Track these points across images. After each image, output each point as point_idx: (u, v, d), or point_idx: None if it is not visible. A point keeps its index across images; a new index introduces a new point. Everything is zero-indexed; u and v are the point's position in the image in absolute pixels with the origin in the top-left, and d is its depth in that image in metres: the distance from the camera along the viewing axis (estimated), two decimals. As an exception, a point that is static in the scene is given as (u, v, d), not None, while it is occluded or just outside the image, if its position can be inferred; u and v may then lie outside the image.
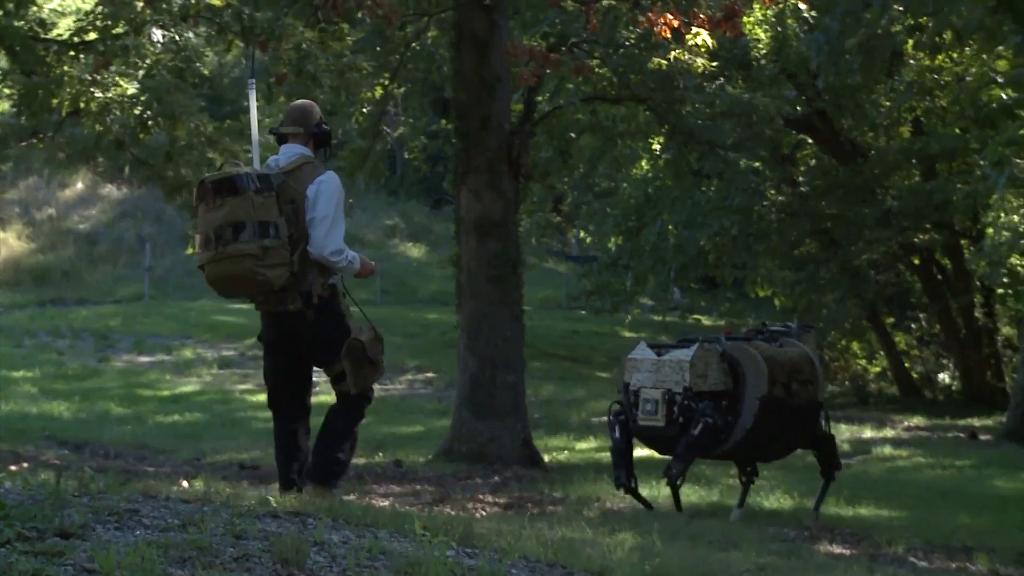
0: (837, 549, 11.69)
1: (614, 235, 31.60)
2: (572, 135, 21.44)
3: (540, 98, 20.43)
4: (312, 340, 8.45)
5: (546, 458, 17.98)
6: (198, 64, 19.79)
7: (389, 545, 6.08)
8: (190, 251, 19.66)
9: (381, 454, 18.17)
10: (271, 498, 7.22)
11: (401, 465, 16.88)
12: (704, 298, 35.89)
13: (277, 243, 8.14)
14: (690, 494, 14.40)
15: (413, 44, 21.41)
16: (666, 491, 14.20)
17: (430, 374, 28.82)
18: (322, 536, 6.02)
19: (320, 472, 8.51)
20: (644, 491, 13.53)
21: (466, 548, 6.41)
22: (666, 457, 12.84)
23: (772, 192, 31.83)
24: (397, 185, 53.68)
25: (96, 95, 18.21)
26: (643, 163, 30.41)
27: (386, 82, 21.37)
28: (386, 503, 13.01)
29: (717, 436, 12.27)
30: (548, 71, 17.22)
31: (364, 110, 20.97)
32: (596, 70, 18.51)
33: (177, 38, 18.59)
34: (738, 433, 12.33)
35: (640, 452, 13.48)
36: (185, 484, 10.05)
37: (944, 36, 23.44)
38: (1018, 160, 24.04)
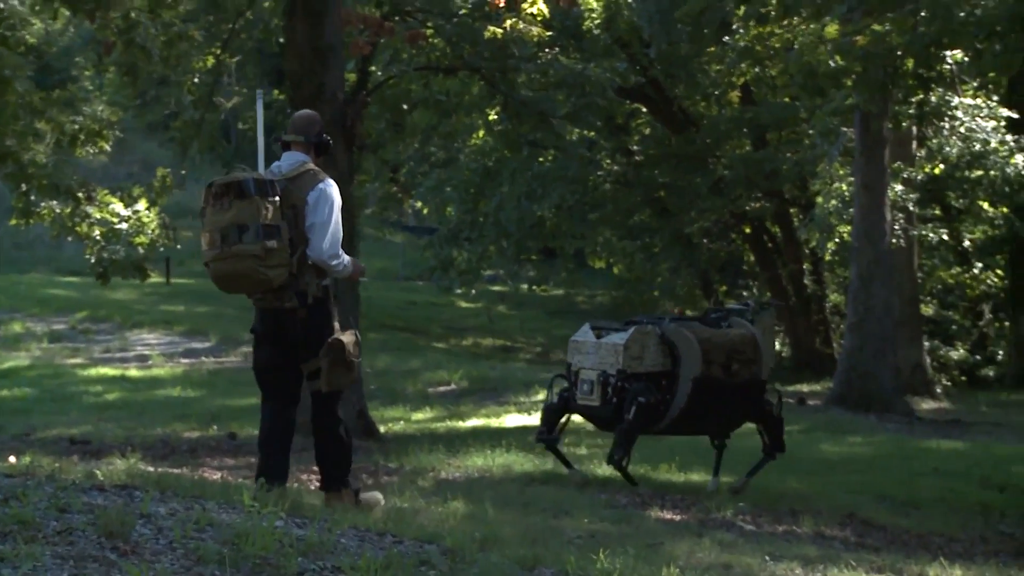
0: (667, 514, 11.84)
1: (451, 206, 31.58)
2: (405, 106, 21.37)
3: (374, 68, 20.35)
4: (300, 336, 8.91)
5: (381, 429, 17.96)
6: (23, 32, 19.36)
7: (217, 516, 6.05)
8: (13, 222, 19.32)
9: (215, 427, 18.04)
10: (97, 472, 7.15)
11: (235, 438, 16.76)
12: (544, 269, 35.96)
13: (278, 245, 8.61)
14: (524, 463, 14.49)
15: (246, 13, 21.18)
16: (500, 460, 14.35)
17: (267, 346, 28.58)
18: (148, 508, 5.96)
19: (329, 480, 9.16)
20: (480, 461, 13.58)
21: (296, 518, 6.40)
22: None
23: (607, 162, 32.08)
24: (232, 156, 53.08)
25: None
26: (480, 134, 30.45)
27: (218, 52, 21.12)
28: (218, 476, 12.91)
29: (652, 414, 12.64)
30: (382, 40, 17.18)
31: (196, 80, 20.70)
32: (430, 39, 18.48)
33: (1, 5, 18.19)
34: (673, 411, 12.73)
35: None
36: (13, 460, 9.89)
37: (771, 5, 23.75)
38: (846, 129, 24.51)
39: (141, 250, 19.47)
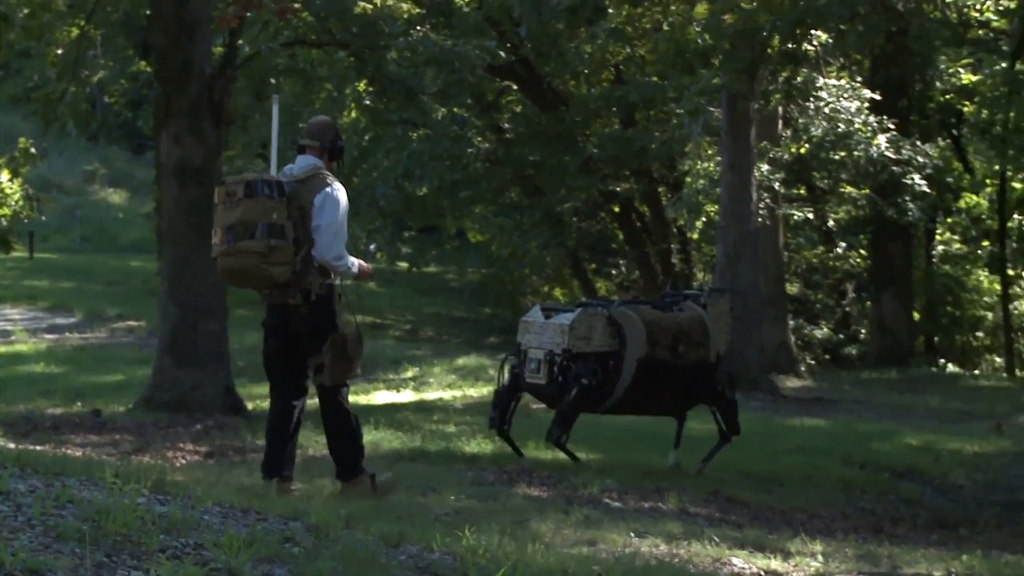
0: (535, 491, 11.90)
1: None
2: (272, 80, 21.18)
3: (242, 41, 20.14)
4: (304, 332, 9.38)
5: (249, 406, 17.84)
6: None
7: (78, 493, 5.97)
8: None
9: (79, 403, 17.82)
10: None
11: (100, 415, 16.56)
12: (422, 246, 35.85)
13: (283, 244, 9.03)
14: (392, 440, 14.50)
15: (112, -16, 20.83)
16: (368, 437, 14.29)
17: (132, 322, 28.28)
18: (7, 485, 5.87)
19: (342, 470, 9.69)
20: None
21: (159, 495, 6.34)
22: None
23: (477, 140, 32.08)
24: (97, 130, 52.39)
25: None
26: (352, 111, 30.30)
27: (83, 23, 20.78)
28: (81, 453, 12.75)
29: (596, 395, 13.03)
30: (249, 14, 17.01)
31: (59, 52, 20.36)
32: (299, 14, 18.34)
33: None
34: (619, 391, 13.12)
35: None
36: None
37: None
38: (712, 109, 24.71)
39: (4, 222, 19.17)
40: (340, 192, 9.40)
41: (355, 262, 9.49)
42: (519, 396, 13.56)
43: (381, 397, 20.22)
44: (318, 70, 22.20)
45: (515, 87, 32.96)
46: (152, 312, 23.24)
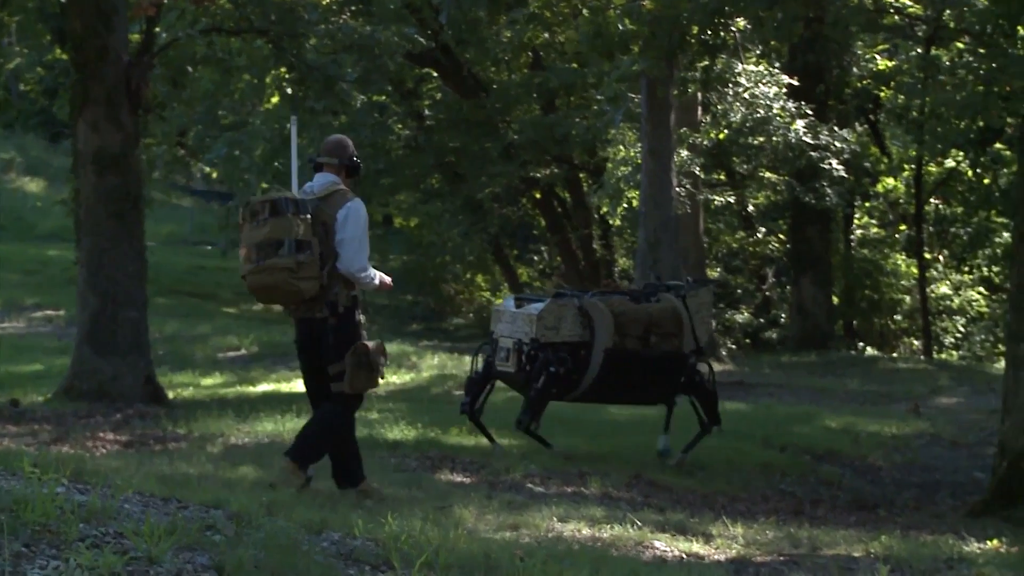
0: (458, 477, 11.93)
1: (249, 174, 31.13)
2: (190, 68, 21.04)
3: (159, 29, 19.99)
4: (329, 342, 9.55)
5: (170, 395, 17.77)
6: None
7: (-4, 484, 5.93)
8: None
9: (-3, 394, 17.65)
10: None
11: (18, 405, 16.40)
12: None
13: (310, 259, 9.29)
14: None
15: (26, -29, 20.62)
16: (290, 425, 14.29)
17: (50, 312, 28.06)
18: (-78, 479, 5.82)
19: (296, 451, 9.67)
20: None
21: (78, 485, 6.30)
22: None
23: (398, 127, 32.02)
24: (13, 118, 51.83)
25: None
26: (274, 99, 30.14)
27: (-3, 10, 20.56)
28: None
29: (564, 383, 13.25)
30: (166, 1, 16.90)
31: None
32: (216, 1, 18.24)
33: None
34: (587, 380, 13.34)
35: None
36: None
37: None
38: (632, 95, 24.79)
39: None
40: (361, 207, 9.67)
41: (376, 274, 9.75)
42: (492, 384, 13.78)
43: (303, 385, 20.14)
44: (236, 58, 22.04)
45: (435, 74, 32.92)
46: (71, 301, 23.03)
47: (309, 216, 9.38)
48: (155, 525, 5.36)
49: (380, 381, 9.83)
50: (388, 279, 10.02)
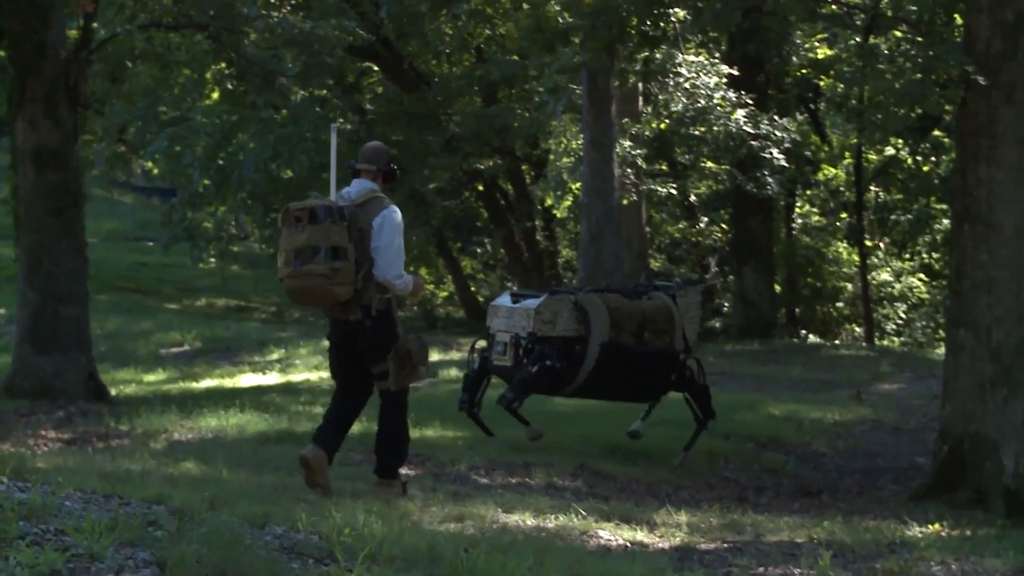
0: (402, 470, 11.92)
1: (192, 170, 30.98)
2: (129, 64, 20.94)
3: (97, 24, 19.88)
4: (368, 344, 9.84)
5: (112, 392, 17.68)
6: None
7: (-64, 483, 5.90)
8: None
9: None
10: None
11: (-40, 403, 16.31)
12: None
13: (345, 265, 9.58)
14: (259, 422, 14.44)
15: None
16: (234, 420, 14.30)
17: (-11, 310, 27.86)
18: None
19: (382, 467, 10.19)
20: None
21: (18, 482, 6.28)
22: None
23: (340, 121, 31.94)
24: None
25: None
26: (215, 94, 30.04)
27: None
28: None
29: (558, 377, 13.44)
30: (105, -4, 16.79)
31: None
32: (155, -5, 18.17)
33: None
34: (582, 375, 13.51)
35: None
36: None
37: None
38: (574, 87, 24.84)
39: None
40: (397, 214, 9.93)
41: (410, 279, 10.02)
42: (488, 379, 13.93)
43: (247, 380, 20.12)
44: (176, 53, 21.95)
45: (376, 68, 32.84)
46: (10, 299, 22.90)
47: (346, 223, 9.65)
48: (96, 522, 5.34)
49: (422, 377, 10.36)
50: (421, 282, 10.41)
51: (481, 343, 13.98)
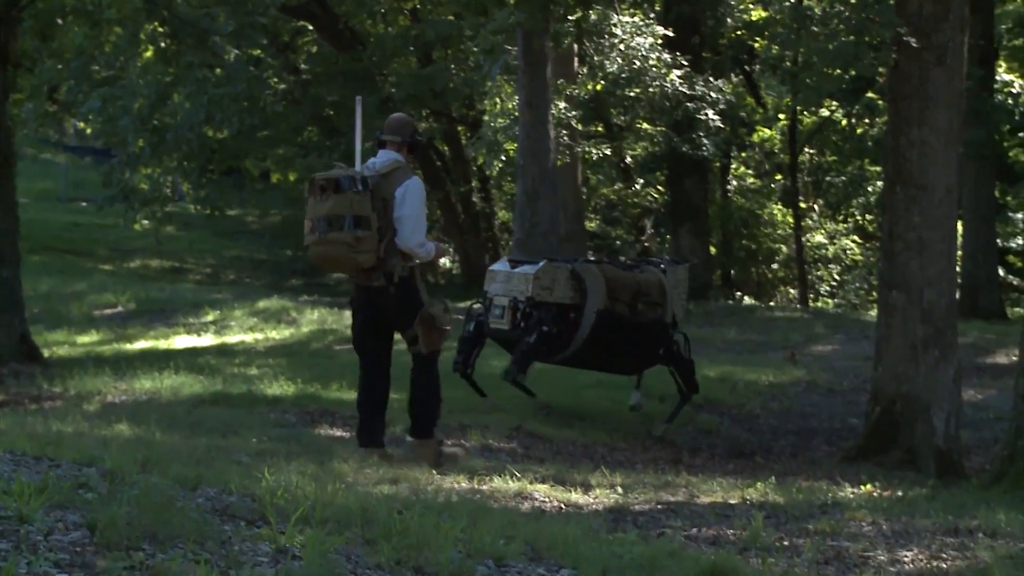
0: (337, 432, 11.94)
1: (127, 132, 30.68)
2: (59, 21, 20.69)
3: (28, -18, 19.66)
4: (393, 310, 10.26)
5: (45, 353, 17.56)
6: None
7: None
8: None
9: None
10: None
11: None
12: (227, 190, 35.12)
13: (368, 234, 9.96)
14: (194, 384, 14.38)
15: None
16: (168, 382, 14.24)
17: (-80, 272, 27.55)
18: None
19: (417, 427, 10.51)
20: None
21: (-53, 446, 6.22)
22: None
23: (274, 80, 31.76)
24: None
25: None
26: (148, 53, 29.74)
27: None
28: None
29: (556, 343, 13.66)
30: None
31: None
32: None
33: None
34: (577, 341, 13.76)
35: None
36: None
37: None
38: (509, 47, 24.77)
39: None
40: (419, 185, 10.34)
41: (432, 246, 10.46)
42: (483, 343, 14.18)
43: (182, 341, 20.01)
44: (107, 12, 21.70)
45: (311, 27, 32.65)
46: (-59, 261, 22.66)
47: (369, 192, 10.02)
48: (25, 484, 5.29)
49: (447, 337, 10.48)
50: (443, 247, 10.99)
51: (477, 306, 14.20)
